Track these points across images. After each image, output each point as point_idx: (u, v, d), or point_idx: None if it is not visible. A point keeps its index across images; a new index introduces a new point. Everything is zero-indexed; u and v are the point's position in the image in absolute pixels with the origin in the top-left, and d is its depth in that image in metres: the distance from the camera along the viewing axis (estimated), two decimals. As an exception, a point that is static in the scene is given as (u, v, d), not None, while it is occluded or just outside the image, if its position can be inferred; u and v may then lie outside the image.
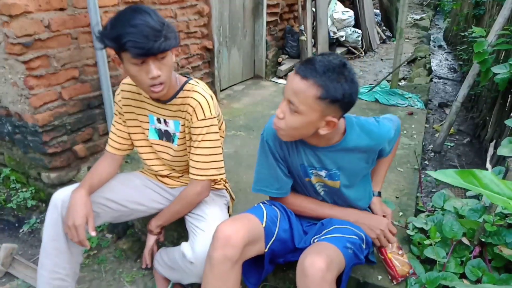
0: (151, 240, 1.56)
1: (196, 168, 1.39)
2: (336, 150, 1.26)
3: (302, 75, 1.07)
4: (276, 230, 1.30)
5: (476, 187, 0.79)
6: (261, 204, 1.39)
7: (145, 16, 1.17)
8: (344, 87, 1.06)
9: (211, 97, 1.39)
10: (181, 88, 1.37)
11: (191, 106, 1.35)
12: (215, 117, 1.37)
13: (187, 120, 1.38)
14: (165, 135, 1.47)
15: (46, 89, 1.90)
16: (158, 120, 1.45)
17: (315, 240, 1.26)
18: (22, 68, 1.80)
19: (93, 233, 1.33)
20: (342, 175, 1.31)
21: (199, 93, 1.36)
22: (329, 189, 1.36)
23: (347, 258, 1.18)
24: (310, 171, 1.32)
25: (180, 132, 1.42)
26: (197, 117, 1.34)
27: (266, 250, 1.28)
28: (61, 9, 1.87)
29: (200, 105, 1.34)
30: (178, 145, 1.45)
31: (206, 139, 1.37)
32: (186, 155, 1.47)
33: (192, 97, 1.35)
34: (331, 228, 1.30)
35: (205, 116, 1.35)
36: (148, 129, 1.48)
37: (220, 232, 1.18)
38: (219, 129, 1.46)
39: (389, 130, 1.32)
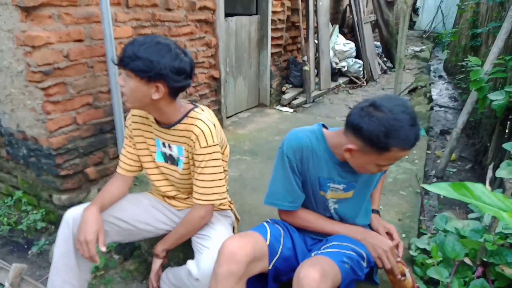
0: (157, 263, 1.59)
1: (199, 193, 1.45)
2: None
3: (410, 147, 1.16)
4: (280, 248, 1.34)
5: (468, 199, 0.84)
6: (264, 223, 1.44)
7: (154, 47, 1.28)
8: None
9: (214, 125, 1.44)
10: (186, 115, 1.44)
11: (195, 134, 1.41)
12: (217, 144, 1.43)
13: (190, 146, 1.44)
14: (170, 159, 1.53)
15: (61, 114, 2.00)
16: (163, 144, 1.52)
17: (313, 255, 1.30)
18: (41, 94, 1.91)
19: (103, 249, 1.37)
20: (357, 186, 1.38)
21: (203, 121, 1.42)
22: (340, 204, 1.41)
23: (343, 272, 1.21)
24: (328, 184, 1.37)
25: (185, 157, 1.49)
26: (200, 144, 1.40)
27: (270, 268, 1.31)
28: (80, 40, 2.01)
29: (203, 133, 1.40)
30: (183, 169, 1.51)
31: (209, 165, 1.42)
32: (191, 178, 1.53)
33: (195, 125, 1.41)
34: (331, 244, 1.34)
35: (207, 144, 1.40)
36: (156, 152, 1.55)
37: (225, 248, 1.22)
38: (223, 154, 1.52)
39: None
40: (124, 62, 1.29)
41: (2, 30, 1.89)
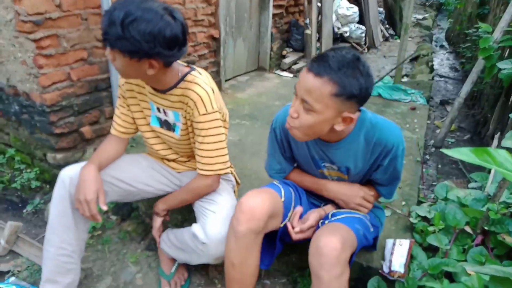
0: (157, 221, 1.57)
1: (203, 163, 1.38)
2: (344, 146, 1.23)
3: (315, 72, 1.02)
4: (292, 206, 1.33)
5: (490, 165, 0.81)
6: (275, 182, 1.40)
7: (140, 21, 1.11)
8: (360, 81, 1.03)
9: (213, 90, 1.35)
10: (182, 79, 1.34)
11: (192, 100, 1.31)
12: (216, 111, 1.34)
13: (189, 113, 1.35)
14: (165, 124, 1.46)
15: (55, 69, 1.90)
16: (158, 109, 1.43)
17: (326, 222, 1.28)
18: (32, 46, 1.80)
19: (104, 207, 1.33)
20: (351, 171, 1.29)
21: (200, 86, 1.32)
22: (341, 180, 1.38)
23: (359, 239, 1.21)
24: (322, 164, 1.32)
25: (182, 123, 1.41)
26: (198, 112, 1.31)
27: (281, 226, 1.30)
28: (72, -11, 1.87)
29: (201, 99, 1.31)
30: (181, 135, 1.44)
31: (210, 134, 1.34)
32: (190, 143, 1.47)
33: (193, 90, 1.31)
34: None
35: (206, 111, 1.32)
36: (150, 116, 1.47)
37: (244, 205, 1.19)
38: (224, 121, 1.45)
39: (402, 143, 1.22)
40: (109, 42, 1.16)
41: (-13, -25, 1.75)
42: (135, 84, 1.43)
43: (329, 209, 1.37)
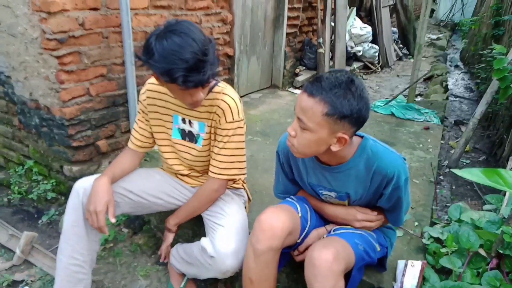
0: (169, 237, 1.59)
1: (218, 168, 1.43)
2: (343, 170, 1.23)
3: (309, 93, 1.08)
4: (308, 222, 1.34)
5: (501, 186, 0.81)
6: (289, 199, 1.41)
7: (192, 45, 1.17)
8: (351, 103, 1.05)
9: (240, 100, 1.43)
10: (210, 90, 1.40)
11: (221, 108, 1.38)
12: (242, 120, 1.41)
13: (215, 121, 1.41)
14: (188, 136, 1.50)
15: (75, 84, 1.98)
16: (183, 120, 1.48)
17: (325, 236, 1.31)
18: (55, 63, 1.88)
19: (113, 220, 1.36)
20: (351, 197, 1.30)
21: (229, 96, 1.39)
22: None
23: (357, 254, 1.20)
24: (320, 191, 1.34)
25: (206, 133, 1.46)
26: (225, 119, 1.38)
27: (298, 241, 1.32)
28: (95, 9, 1.96)
29: (230, 108, 1.38)
30: (202, 145, 1.48)
31: (232, 140, 1.40)
32: (209, 155, 1.50)
33: (222, 100, 1.38)
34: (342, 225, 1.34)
35: (233, 119, 1.38)
36: (172, 129, 1.51)
37: (264, 223, 1.21)
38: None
39: (404, 173, 1.20)
40: (209, 79, 1.25)
41: (17, -5, 1.85)
42: (158, 99, 1.48)
43: (331, 227, 1.38)
